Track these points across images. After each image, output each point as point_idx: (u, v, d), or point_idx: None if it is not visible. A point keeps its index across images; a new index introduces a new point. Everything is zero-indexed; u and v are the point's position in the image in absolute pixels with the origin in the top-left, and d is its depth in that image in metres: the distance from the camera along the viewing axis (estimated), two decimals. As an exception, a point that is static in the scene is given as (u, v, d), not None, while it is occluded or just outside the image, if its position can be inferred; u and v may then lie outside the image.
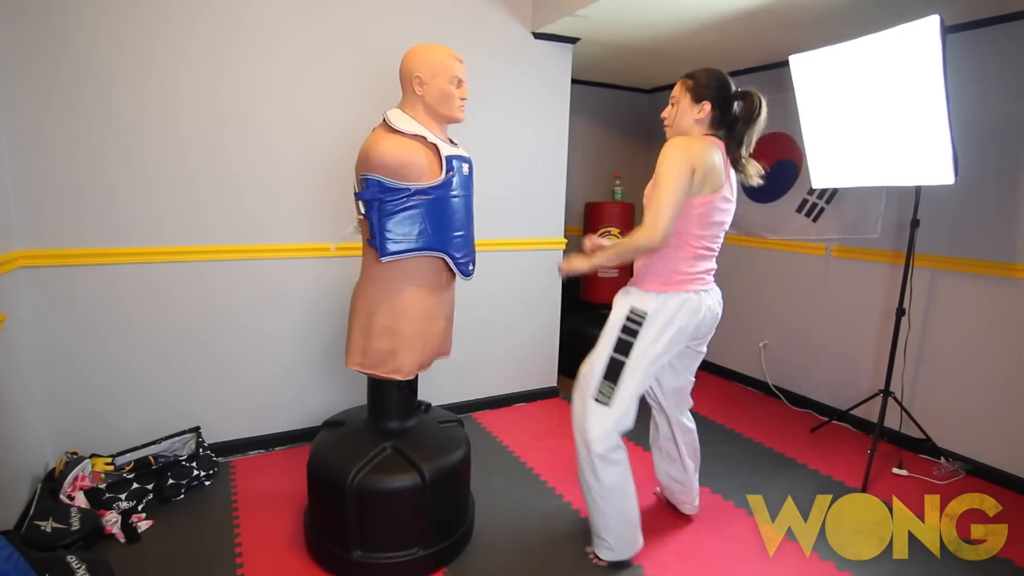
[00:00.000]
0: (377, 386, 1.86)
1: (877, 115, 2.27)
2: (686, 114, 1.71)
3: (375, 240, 1.65)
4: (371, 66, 2.52)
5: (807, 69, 2.49)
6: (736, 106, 1.72)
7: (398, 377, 1.76)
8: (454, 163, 1.70)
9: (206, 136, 2.28)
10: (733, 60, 3.31)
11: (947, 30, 2.01)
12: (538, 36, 2.89)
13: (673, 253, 1.70)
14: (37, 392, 2.13)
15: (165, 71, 2.18)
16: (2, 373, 1.87)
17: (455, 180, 1.70)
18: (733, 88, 1.72)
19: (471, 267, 1.83)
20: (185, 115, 2.23)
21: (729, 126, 1.73)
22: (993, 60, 2.41)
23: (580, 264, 1.76)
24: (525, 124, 2.96)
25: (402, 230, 1.65)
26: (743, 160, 1.74)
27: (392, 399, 1.86)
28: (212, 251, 2.36)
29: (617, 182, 3.73)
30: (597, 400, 1.73)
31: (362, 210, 1.65)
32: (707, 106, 1.68)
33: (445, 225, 1.71)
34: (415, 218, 1.66)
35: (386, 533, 1.75)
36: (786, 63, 2.61)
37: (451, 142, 1.80)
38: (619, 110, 4.24)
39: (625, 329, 1.72)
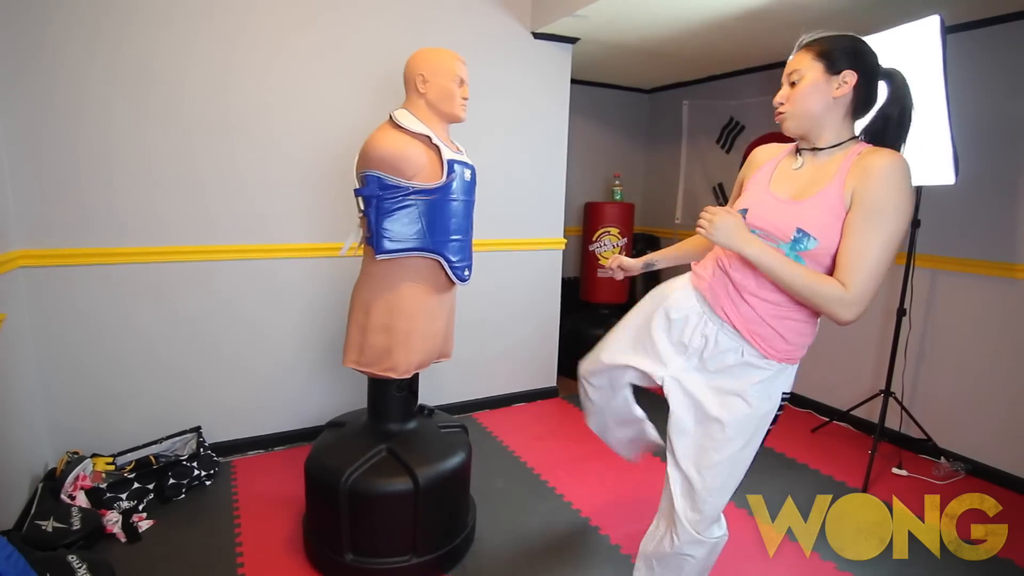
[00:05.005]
0: (377, 387, 1.85)
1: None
2: (818, 90, 1.17)
3: (372, 238, 1.66)
4: (372, 66, 2.52)
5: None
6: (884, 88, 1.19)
7: (393, 375, 1.74)
8: (456, 167, 1.70)
9: (207, 136, 2.28)
10: (733, 60, 3.30)
11: (947, 30, 2.01)
12: (538, 36, 2.89)
13: (812, 317, 1.27)
14: (37, 392, 2.13)
15: (167, 70, 2.18)
16: (2, 373, 1.87)
17: (455, 184, 1.70)
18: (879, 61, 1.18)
19: (467, 272, 1.83)
20: (187, 115, 2.23)
21: (879, 121, 1.19)
22: (994, 60, 2.40)
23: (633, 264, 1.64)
24: (525, 124, 2.96)
25: (399, 229, 1.65)
26: None
27: (391, 400, 1.85)
28: (213, 251, 2.36)
29: (617, 182, 3.73)
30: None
31: (362, 207, 1.66)
32: (851, 77, 1.15)
33: (442, 228, 1.71)
34: (413, 218, 1.66)
35: (378, 537, 1.73)
36: (787, 63, 2.61)
37: (456, 147, 1.81)
38: (619, 110, 4.24)
39: (775, 419, 1.36)
